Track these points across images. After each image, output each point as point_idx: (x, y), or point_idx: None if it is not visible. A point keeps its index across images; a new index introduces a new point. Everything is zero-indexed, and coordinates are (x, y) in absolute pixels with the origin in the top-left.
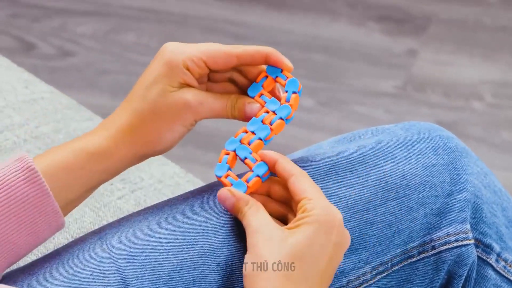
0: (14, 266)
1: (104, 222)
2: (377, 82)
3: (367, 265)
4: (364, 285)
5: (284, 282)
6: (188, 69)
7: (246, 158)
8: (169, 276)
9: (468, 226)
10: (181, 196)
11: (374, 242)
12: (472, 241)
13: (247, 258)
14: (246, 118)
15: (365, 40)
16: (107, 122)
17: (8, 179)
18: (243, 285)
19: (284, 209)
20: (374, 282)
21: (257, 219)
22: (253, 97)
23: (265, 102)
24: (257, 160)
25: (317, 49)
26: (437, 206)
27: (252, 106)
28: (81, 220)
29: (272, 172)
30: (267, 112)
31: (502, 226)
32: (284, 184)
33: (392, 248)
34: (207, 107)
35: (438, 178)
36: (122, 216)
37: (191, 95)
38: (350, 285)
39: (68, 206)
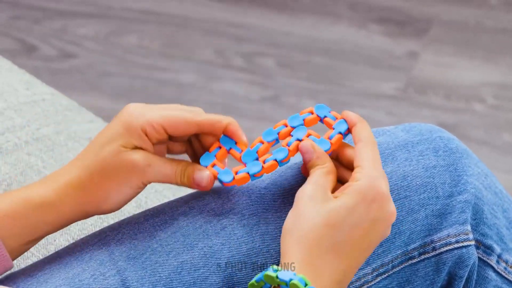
0: (15, 268)
1: (105, 224)
2: (378, 84)
3: (368, 266)
4: (365, 286)
5: (313, 247)
6: (146, 134)
7: (325, 117)
8: (169, 278)
9: (469, 227)
10: (181, 198)
11: None
12: (473, 242)
13: (290, 212)
14: (195, 185)
15: (366, 42)
16: (56, 174)
17: None
18: (244, 286)
19: (348, 175)
20: (374, 283)
21: (319, 179)
22: (205, 167)
23: (218, 173)
24: (336, 119)
25: (318, 51)
26: (438, 208)
27: (202, 174)
28: (82, 222)
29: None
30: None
31: (502, 227)
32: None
33: (393, 249)
34: (156, 170)
35: (439, 180)
36: (122, 218)
37: (140, 156)
38: (350, 286)
39: (14, 251)
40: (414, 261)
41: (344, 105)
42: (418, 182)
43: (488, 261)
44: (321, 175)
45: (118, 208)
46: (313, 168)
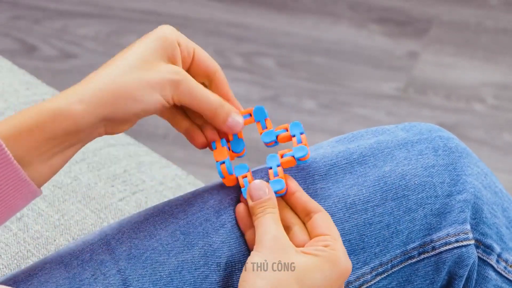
0: (16, 268)
1: (105, 224)
2: (379, 84)
3: (366, 266)
4: (364, 286)
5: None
6: (179, 45)
7: (271, 168)
8: (170, 277)
9: (468, 227)
10: (181, 196)
11: (372, 243)
12: (473, 242)
13: (260, 251)
14: (225, 126)
15: (366, 42)
16: (78, 85)
17: None
18: None
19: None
20: (374, 283)
21: (276, 226)
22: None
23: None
24: (279, 176)
25: (318, 51)
26: (437, 207)
27: (239, 118)
28: (82, 222)
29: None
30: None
31: (502, 226)
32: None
33: (391, 248)
34: (190, 85)
35: (438, 179)
36: (122, 217)
37: (177, 68)
38: (350, 286)
39: (38, 172)
40: (413, 260)
41: (344, 105)
42: (417, 181)
43: (488, 260)
44: (273, 220)
45: (134, 119)
46: (261, 213)
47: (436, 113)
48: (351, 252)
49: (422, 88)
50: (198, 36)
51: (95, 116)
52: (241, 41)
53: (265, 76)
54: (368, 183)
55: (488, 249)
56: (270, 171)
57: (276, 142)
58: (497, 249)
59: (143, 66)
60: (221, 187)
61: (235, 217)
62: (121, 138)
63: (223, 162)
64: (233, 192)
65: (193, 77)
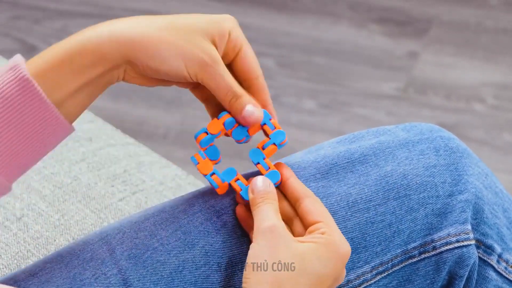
0: (16, 268)
1: (105, 224)
2: (379, 84)
3: (367, 265)
4: (364, 285)
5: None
6: (229, 34)
7: (258, 163)
8: (171, 277)
9: (469, 227)
10: (182, 196)
11: (374, 241)
12: (473, 242)
13: (260, 243)
14: (241, 117)
15: (366, 42)
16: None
17: (2, 91)
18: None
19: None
20: (374, 282)
21: (274, 215)
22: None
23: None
24: (270, 168)
25: (318, 51)
26: (438, 207)
27: (255, 109)
28: (82, 222)
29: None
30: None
31: (503, 227)
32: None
33: (392, 248)
34: (219, 70)
35: (439, 179)
36: (123, 217)
37: (216, 52)
38: (350, 285)
39: (67, 107)
40: (414, 260)
41: (344, 105)
42: (418, 181)
43: (489, 260)
44: (272, 211)
45: (155, 75)
46: (259, 205)
47: (436, 113)
48: (353, 250)
49: (422, 88)
50: None
51: (119, 53)
52: None
53: (265, 76)
54: (370, 182)
55: (488, 249)
56: (259, 166)
57: (247, 137)
58: (498, 249)
59: (183, 33)
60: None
61: (236, 217)
62: (121, 138)
63: (213, 173)
64: (234, 192)
65: (234, 75)
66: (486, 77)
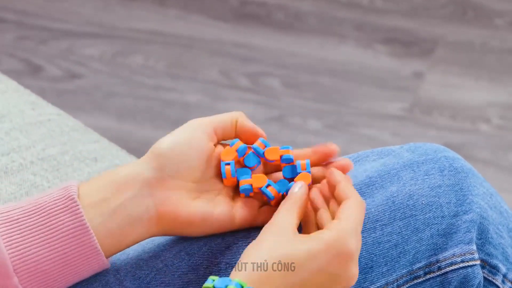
0: None
1: None
2: (384, 104)
3: (372, 285)
4: None
5: (263, 283)
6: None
7: (295, 176)
8: None
9: (474, 247)
10: None
11: (380, 262)
12: (478, 262)
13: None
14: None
15: (372, 62)
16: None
17: (47, 206)
18: None
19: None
20: None
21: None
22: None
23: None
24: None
25: (324, 71)
26: (443, 227)
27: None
28: None
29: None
30: None
31: (508, 247)
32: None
33: (398, 268)
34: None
35: (444, 199)
36: None
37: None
38: None
39: (113, 242)
40: (419, 280)
41: (350, 125)
42: (423, 202)
43: (494, 280)
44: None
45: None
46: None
47: (442, 134)
48: (360, 270)
49: (428, 108)
50: (203, 57)
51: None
52: (247, 62)
53: (271, 96)
54: (376, 203)
55: (493, 269)
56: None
57: (259, 163)
58: (503, 269)
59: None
60: None
61: (242, 238)
62: (127, 158)
63: (229, 164)
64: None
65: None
66: (491, 97)
